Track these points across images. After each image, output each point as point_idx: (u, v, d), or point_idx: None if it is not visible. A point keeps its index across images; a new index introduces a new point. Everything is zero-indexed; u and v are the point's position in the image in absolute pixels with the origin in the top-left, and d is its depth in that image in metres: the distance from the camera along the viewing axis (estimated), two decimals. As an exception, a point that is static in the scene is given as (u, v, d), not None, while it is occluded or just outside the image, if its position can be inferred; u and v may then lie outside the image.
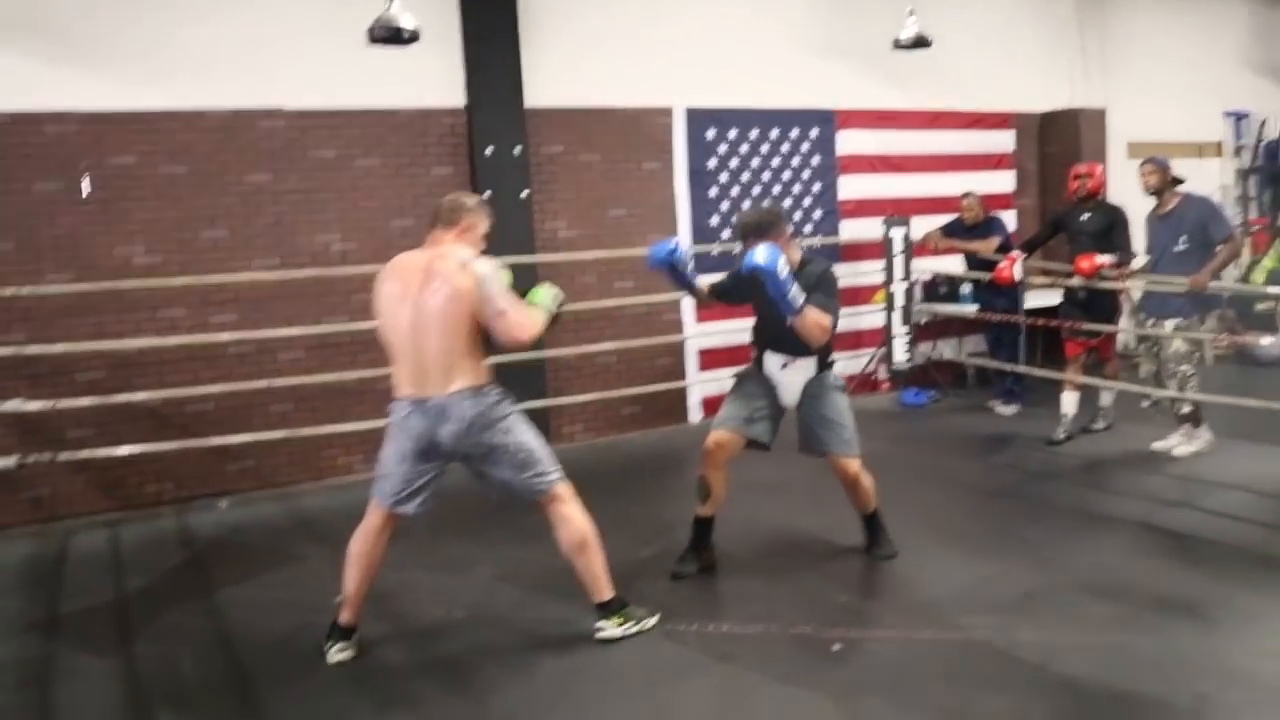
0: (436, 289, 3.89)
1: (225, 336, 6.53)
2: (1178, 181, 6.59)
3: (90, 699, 3.91)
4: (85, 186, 6.19)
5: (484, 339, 3.99)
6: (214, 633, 4.54)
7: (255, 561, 5.42)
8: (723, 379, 8.12)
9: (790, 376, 4.87)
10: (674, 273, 4.71)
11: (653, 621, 4.28)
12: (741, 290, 4.84)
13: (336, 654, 4.10)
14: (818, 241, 8.71)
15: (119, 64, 6.27)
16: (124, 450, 6.19)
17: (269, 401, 6.75)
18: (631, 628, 4.21)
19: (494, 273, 3.93)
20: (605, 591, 4.20)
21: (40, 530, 6.12)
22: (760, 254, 4.27)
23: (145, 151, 6.35)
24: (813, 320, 4.47)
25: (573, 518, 4.13)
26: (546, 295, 4.20)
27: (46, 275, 6.12)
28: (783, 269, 4.30)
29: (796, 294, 4.38)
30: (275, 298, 6.75)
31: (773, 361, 4.90)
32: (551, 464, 4.13)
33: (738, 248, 4.91)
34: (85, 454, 6.15)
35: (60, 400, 6.05)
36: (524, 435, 4.07)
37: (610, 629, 4.18)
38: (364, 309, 6.92)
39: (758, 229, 4.64)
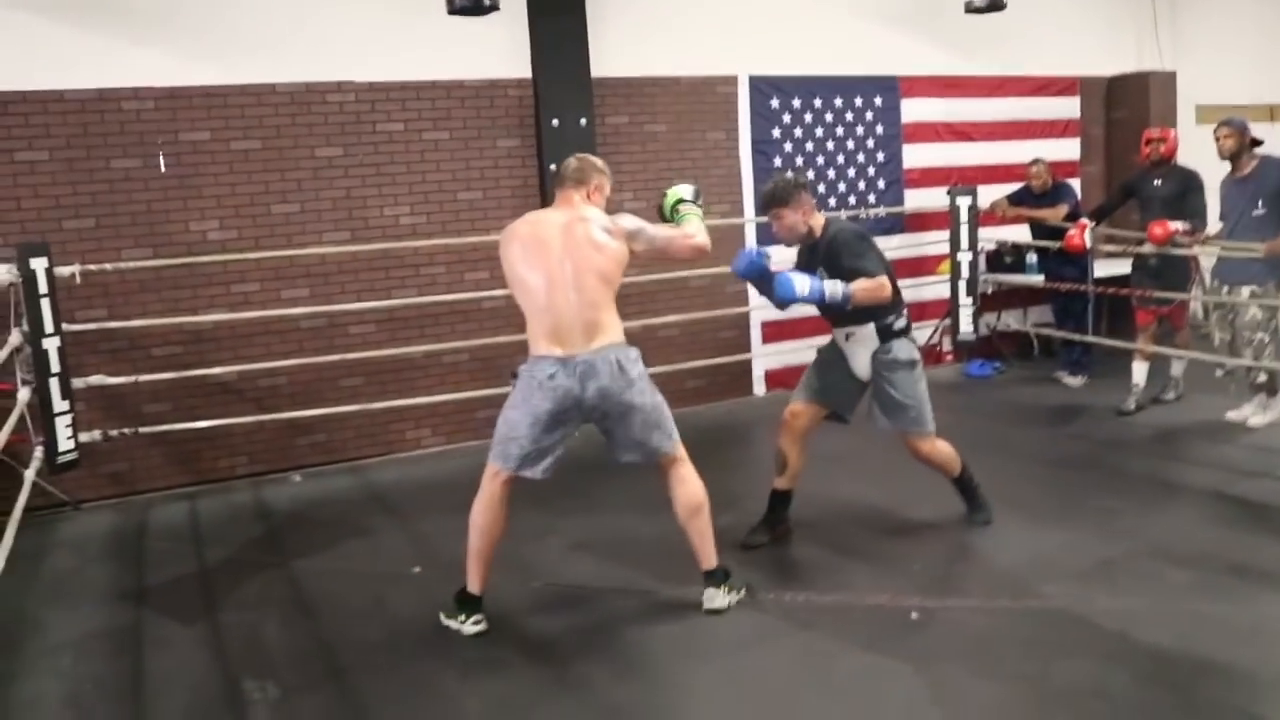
0: (580, 244, 3.90)
1: (297, 311, 6.63)
2: (1256, 144, 6.44)
3: (181, 667, 4.02)
4: (161, 163, 6.30)
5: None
6: (295, 602, 4.64)
7: (330, 534, 5.52)
8: (787, 352, 8.18)
9: (855, 348, 4.81)
10: (762, 280, 4.59)
11: (744, 592, 4.28)
12: (804, 266, 4.75)
13: (472, 626, 4.09)
14: (882, 211, 8.66)
15: (191, 41, 6.36)
16: (200, 425, 6.34)
17: (339, 375, 6.84)
18: (735, 597, 4.21)
19: (634, 217, 4.06)
20: (713, 559, 4.20)
21: (121, 504, 6.27)
22: (791, 290, 4.34)
23: (218, 127, 6.44)
24: (865, 293, 4.44)
25: (691, 480, 4.15)
26: (686, 193, 4.24)
27: (124, 252, 6.25)
28: (811, 288, 4.35)
29: (836, 290, 4.38)
30: (345, 272, 6.84)
31: (838, 335, 4.89)
32: (673, 426, 4.15)
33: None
34: (164, 428, 6.30)
35: (140, 375, 6.19)
36: (657, 395, 4.10)
37: (718, 598, 4.16)
38: (432, 283, 7.06)
39: (782, 196, 4.65)
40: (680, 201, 4.28)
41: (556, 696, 3.65)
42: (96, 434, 6.09)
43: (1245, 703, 3.34)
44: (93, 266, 5.98)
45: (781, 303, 4.50)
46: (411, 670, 3.90)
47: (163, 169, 6.31)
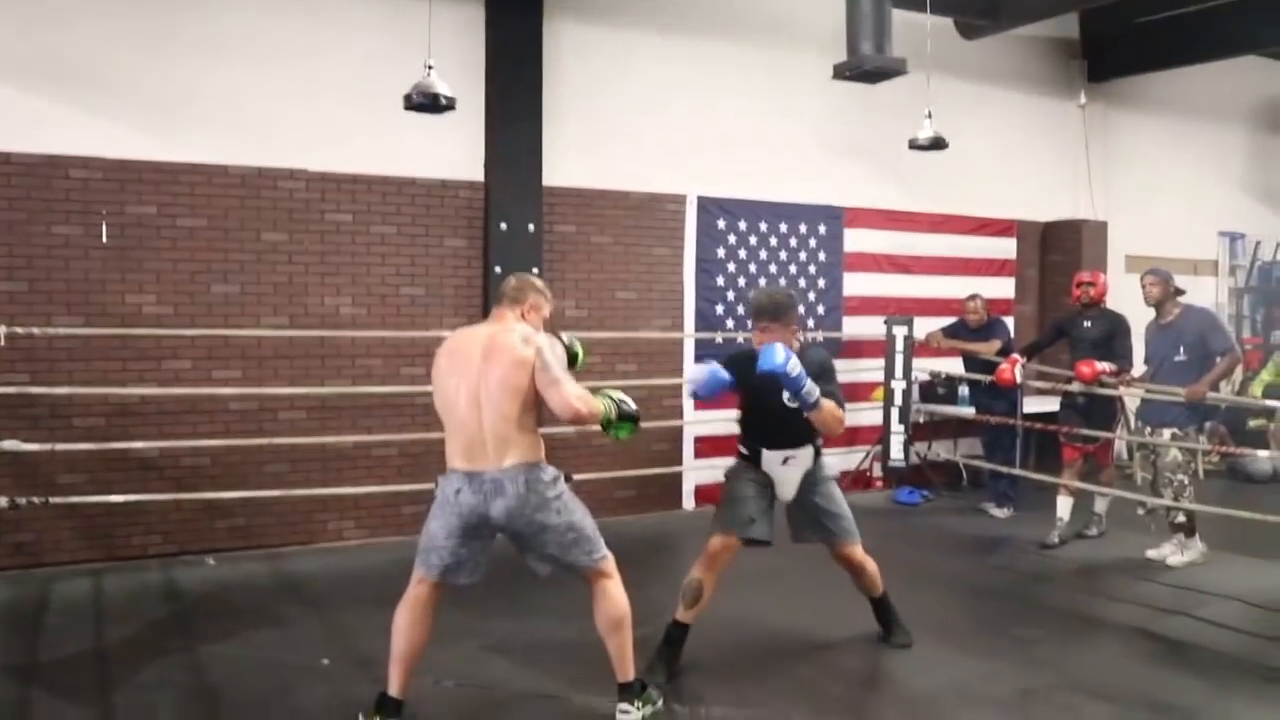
0: (497, 361, 3.88)
1: (228, 391, 6.54)
2: (1179, 293, 6.70)
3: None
4: (104, 233, 6.24)
5: (539, 415, 3.96)
6: (195, 688, 4.48)
7: (240, 620, 5.35)
8: (718, 467, 8.13)
9: (791, 471, 4.78)
10: (784, 380, 4.39)
11: (660, 705, 4.19)
12: (741, 383, 4.69)
13: None
14: (820, 336, 8.78)
15: (147, 115, 6.39)
16: (115, 499, 6.16)
17: (265, 460, 6.72)
18: (648, 710, 4.12)
19: (551, 344, 3.97)
20: (630, 672, 4.12)
21: (22, 576, 6.05)
22: (775, 356, 4.26)
23: (165, 203, 6.43)
24: (829, 413, 4.49)
25: (615, 595, 4.08)
26: (613, 396, 4.18)
27: (56, 317, 6.14)
28: (795, 368, 4.30)
29: (811, 389, 4.37)
30: (281, 356, 6.78)
31: (772, 458, 4.77)
32: (599, 541, 4.07)
33: (740, 338, 4.90)
34: (76, 499, 6.11)
35: (58, 444, 6.03)
36: (575, 515, 4.01)
37: (633, 712, 4.08)
38: (368, 374, 7.01)
39: (774, 311, 4.65)
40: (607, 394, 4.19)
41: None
42: (3, 501, 5.88)
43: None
44: (19, 330, 5.87)
45: (765, 371, 4.31)
46: (311, 764, 3.75)
47: (104, 239, 6.26)
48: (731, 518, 4.73)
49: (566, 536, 3.97)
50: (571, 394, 3.87)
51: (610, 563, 4.09)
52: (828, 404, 4.47)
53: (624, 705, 4.10)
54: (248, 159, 6.66)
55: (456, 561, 3.95)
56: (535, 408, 3.93)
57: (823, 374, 4.59)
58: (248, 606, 5.62)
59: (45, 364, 6.14)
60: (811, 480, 4.81)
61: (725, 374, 4.58)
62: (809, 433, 4.69)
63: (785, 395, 4.46)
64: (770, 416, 4.68)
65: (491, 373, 3.87)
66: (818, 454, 4.84)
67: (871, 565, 4.97)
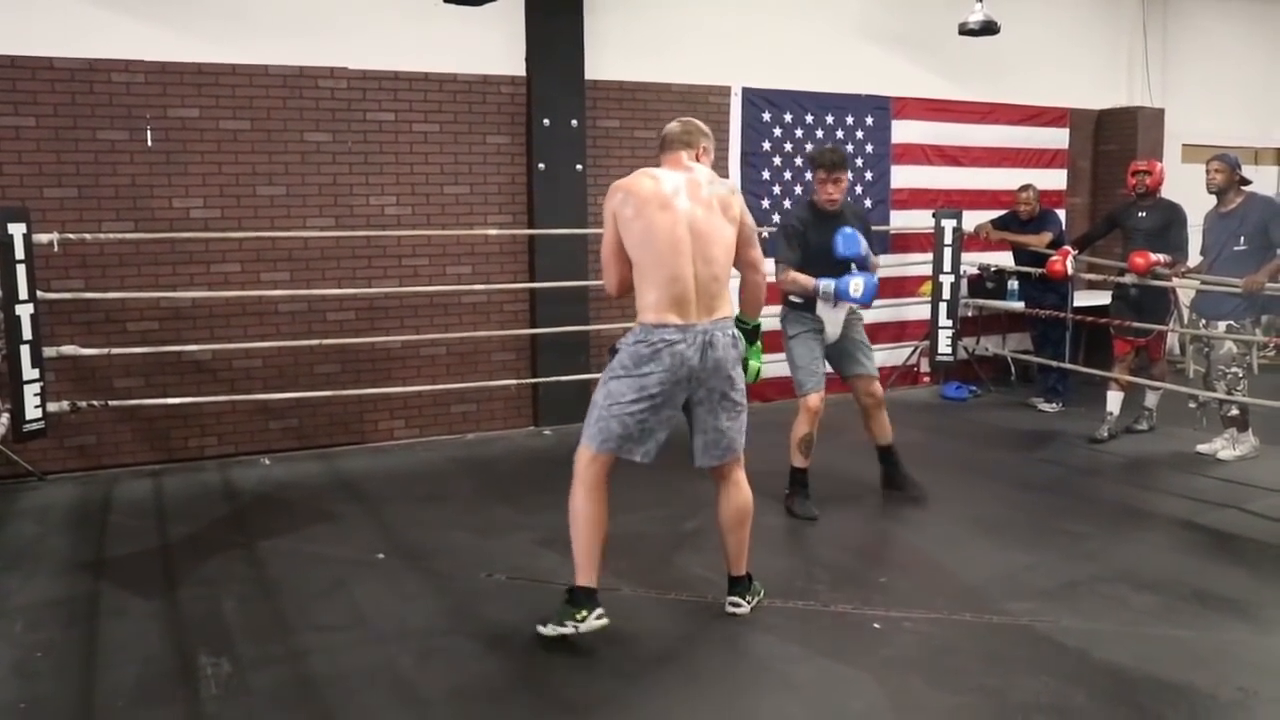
0: (710, 211, 3.74)
1: (277, 293, 6.60)
2: (1245, 182, 6.51)
3: (135, 638, 3.97)
4: (149, 137, 6.26)
5: None
6: (255, 581, 4.60)
7: (296, 517, 5.48)
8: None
9: (839, 313, 5.42)
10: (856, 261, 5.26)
11: (763, 595, 4.24)
12: (811, 255, 5.35)
13: (595, 620, 3.78)
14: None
15: (185, 16, 6.33)
16: (172, 401, 6.29)
17: (315, 361, 6.81)
18: (755, 602, 4.19)
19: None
20: (745, 566, 4.15)
21: (86, 477, 6.22)
22: (859, 245, 5.17)
23: (208, 105, 6.41)
24: (875, 264, 5.36)
25: (746, 488, 4.05)
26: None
27: (105, 224, 6.20)
28: (860, 247, 5.17)
29: (868, 257, 5.24)
30: (328, 258, 6.81)
31: (825, 303, 5.38)
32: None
33: (793, 219, 5.32)
34: (134, 403, 6.25)
35: (113, 348, 6.14)
36: (745, 383, 3.98)
37: (744, 605, 4.15)
38: (414, 274, 7.03)
39: (844, 163, 5.38)
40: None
41: (515, 688, 3.62)
42: (65, 405, 6.03)
43: (1202, 725, 3.35)
44: (72, 236, 5.93)
45: (845, 255, 5.18)
46: (368, 653, 3.86)
47: (149, 143, 6.27)
48: (810, 376, 5.39)
49: (738, 403, 3.90)
50: (762, 259, 4.01)
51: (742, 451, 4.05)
52: (875, 258, 5.39)
53: (735, 599, 4.15)
54: (288, 58, 6.60)
55: (642, 429, 3.77)
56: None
57: (865, 227, 5.48)
58: (303, 504, 5.75)
59: (98, 270, 6.21)
60: (853, 319, 5.52)
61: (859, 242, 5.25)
62: (849, 272, 5.28)
63: (836, 239, 5.20)
64: (823, 260, 5.27)
65: (705, 223, 3.73)
66: None
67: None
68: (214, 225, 6.47)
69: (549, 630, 3.82)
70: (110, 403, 6.18)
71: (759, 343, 4.15)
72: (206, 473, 6.38)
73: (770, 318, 4.88)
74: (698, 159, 3.96)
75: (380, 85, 6.87)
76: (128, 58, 6.19)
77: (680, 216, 3.72)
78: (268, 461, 6.61)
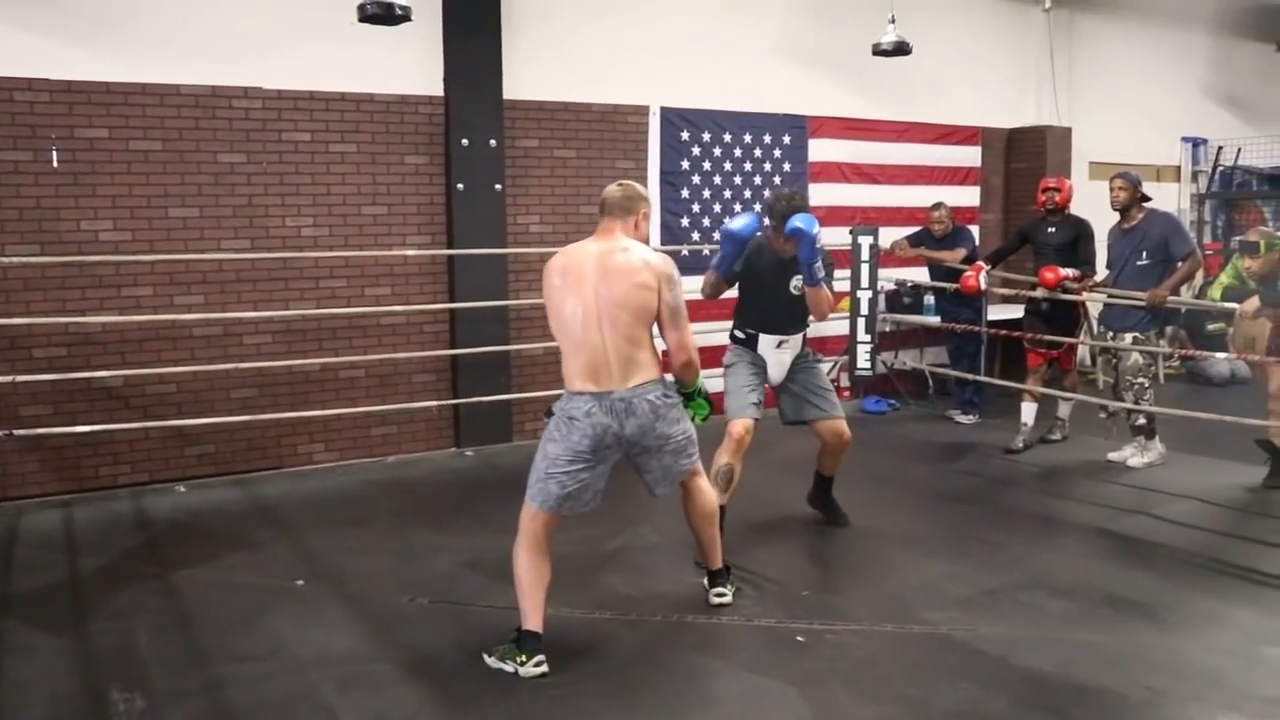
0: (617, 282, 3.82)
1: (191, 317, 6.47)
2: (1145, 199, 6.72)
3: (42, 676, 3.85)
4: (54, 158, 6.10)
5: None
6: (171, 612, 4.49)
7: (213, 545, 5.35)
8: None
9: (784, 355, 5.24)
10: (742, 247, 4.94)
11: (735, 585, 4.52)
12: (747, 271, 5.15)
13: (534, 667, 3.77)
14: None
15: (92, 34, 6.19)
16: (81, 429, 6.11)
17: (232, 385, 6.68)
18: (732, 590, 4.47)
19: (678, 279, 3.95)
20: (720, 559, 4.43)
21: (-9, 509, 6.03)
22: (802, 220, 4.68)
23: (117, 125, 6.27)
24: (826, 294, 4.93)
25: (708, 490, 4.32)
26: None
27: (9, 247, 6.02)
28: (820, 237, 4.72)
29: (820, 268, 4.76)
30: (243, 280, 6.69)
31: (768, 342, 5.20)
32: (696, 444, 4.20)
33: (706, 250, 5.20)
34: (41, 431, 6.07)
35: (18, 375, 5.95)
36: (686, 422, 4.13)
37: (727, 594, 4.43)
38: (332, 296, 6.95)
39: (799, 209, 4.97)
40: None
41: (438, 713, 3.58)
42: (-32, 435, 5.84)
43: (1116, 726, 3.43)
44: (-27, 260, 5.76)
45: (792, 230, 4.72)
46: (288, 682, 3.79)
47: (55, 164, 6.12)
48: (739, 403, 5.17)
49: (680, 443, 4.06)
50: (690, 342, 3.98)
51: (699, 461, 4.24)
52: (826, 290, 4.93)
53: (720, 589, 4.44)
54: (200, 78, 6.48)
55: (579, 487, 3.89)
56: (651, 324, 3.94)
57: (830, 268, 5.11)
58: (220, 532, 5.62)
59: (2, 295, 6.03)
60: (802, 362, 5.31)
61: (756, 222, 4.88)
62: (802, 318, 5.16)
63: (792, 282, 5.03)
64: (771, 302, 5.16)
65: (611, 294, 3.81)
66: (805, 339, 5.34)
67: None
68: (125, 248, 6.32)
69: (491, 661, 3.85)
70: (15, 432, 5.98)
71: (700, 399, 4.24)
72: (119, 502, 6.21)
73: (714, 377, 5.03)
74: (637, 226, 4.03)
75: (296, 105, 6.79)
76: (31, 76, 6.03)
77: (587, 286, 3.84)
78: (183, 489, 6.46)
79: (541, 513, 3.91)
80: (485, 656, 3.87)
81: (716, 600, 4.40)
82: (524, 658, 3.79)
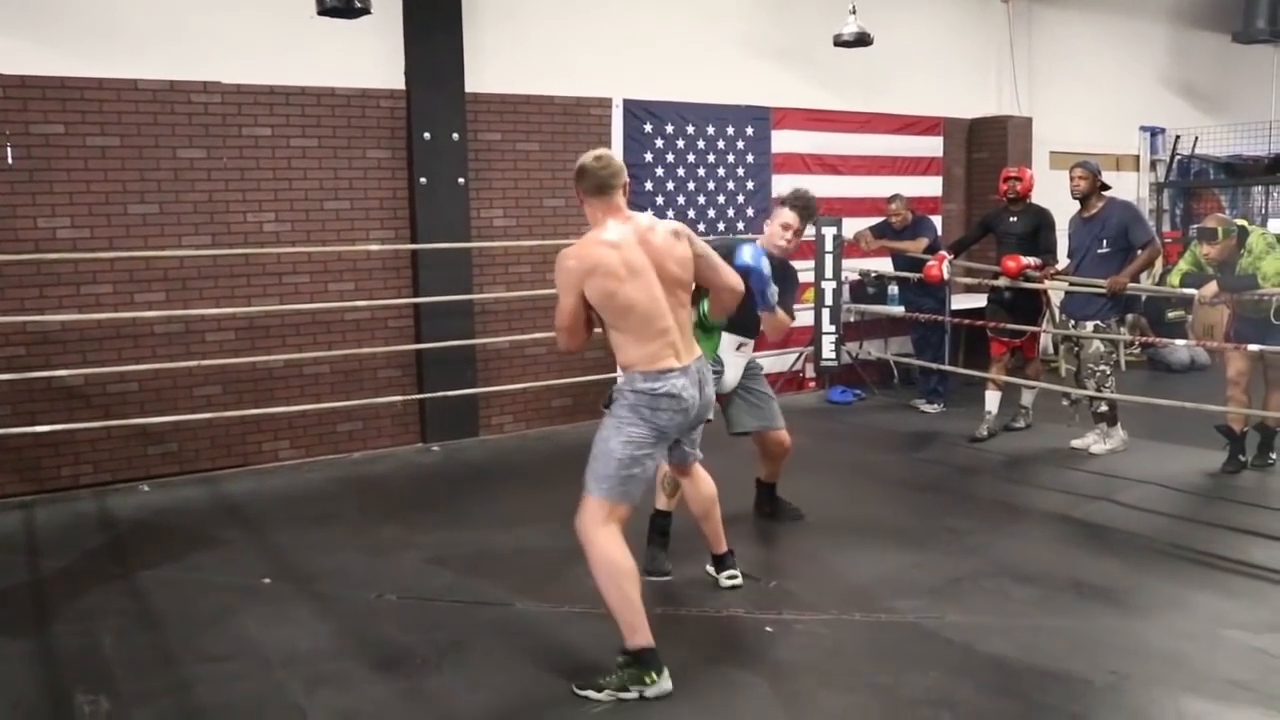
0: (671, 261, 3.75)
1: (152, 314, 6.40)
2: (1105, 188, 6.79)
3: (3, 680, 3.81)
4: (9, 155, 6.01)
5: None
6: (136, 613, 4.45)
7: (178, 544, 5.31)
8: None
9: (741, 359, 5.13)
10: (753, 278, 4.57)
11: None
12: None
13: (667, 682, 3.59)
14: (750, 239, 8.78)
15: (47, 28, 6.09)
16: (41, 429, 6.03)
17: (195, 383, 6.62)
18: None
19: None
20: (725, 543, 4.60)
21: (-50, 511, 5.94)
22: (747, 254, 4.36)
23: (73, 121, 6.17)
24: (781, 320, 4.81)
25: (707, 478, 4.44)
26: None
27: (-36, 246, 5.94)
28: (765, 268, 4.44)
29: (774, 293, 4.55)
30: (204, 277, 6.62)
31: (729, 342, 5.05)
32: None
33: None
34: (1, 431, 5.98)
35: (-24, 376, 5.88)
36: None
37: (738, 575, 4.58)
38: (295, 291, 6.89)
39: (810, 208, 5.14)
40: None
41: (407, 710, 3.57)
42: (-75, 436, 5.75)
43: (1081, 709, 3.47)
44: (-72, 259, 5.66)
45: (740, 266, 4.38)
46: (256, 682, 3.76)
47: (10, 161, 6.03)
48: None
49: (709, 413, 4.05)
50: (735, 278, 4.03)
51: None
52: (781, 311, 4.75)
53: (731, 571, 4.59)
54: (158, 72, 6.40)
55: (645, 475, 3.76)
56: None
57: (786, 284, 4.98)
58: (185, 531, 5.57)
59: (-44, 293, 5.95)
60: (751, 370, 5.21)
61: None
62: (758, 325, 4.94)
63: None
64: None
65: (670, 274, 3.75)
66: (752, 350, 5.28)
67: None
68: (83, 245, 6.24)
69: (604, 695, 3.58)
70: (-26, 433, 5.91)
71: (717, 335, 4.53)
72: (81, 502, 6.14)
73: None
74: (625, 197, 3.90)
75: (256, 100, 6.72)
76: (-19, 72, 5.95)
77: (652, 277, 3.71)
78: (147, 488, 6.39)
79: (622, 506, 3.71)
80: (587, 692, 3.58)
81: (729, 583, 4.55)
82: (653, 674, 3.58)
